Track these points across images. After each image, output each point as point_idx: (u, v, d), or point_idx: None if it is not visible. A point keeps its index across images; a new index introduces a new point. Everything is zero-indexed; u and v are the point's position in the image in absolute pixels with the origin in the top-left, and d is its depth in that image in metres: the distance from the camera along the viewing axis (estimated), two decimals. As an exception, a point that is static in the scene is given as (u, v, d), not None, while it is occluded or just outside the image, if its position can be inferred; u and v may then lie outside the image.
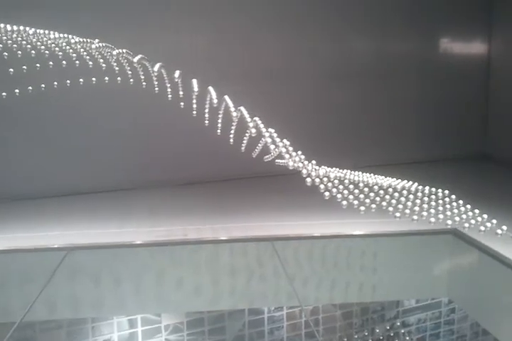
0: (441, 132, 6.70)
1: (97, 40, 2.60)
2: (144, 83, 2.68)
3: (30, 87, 2.73)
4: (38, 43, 2.45)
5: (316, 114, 6.21)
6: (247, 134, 2.08)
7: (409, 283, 4.12)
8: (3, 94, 2.70)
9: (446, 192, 2.09)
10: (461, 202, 2.03)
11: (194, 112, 2.51)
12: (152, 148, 5.47)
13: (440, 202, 2.04)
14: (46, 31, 2.55)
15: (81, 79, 2.71)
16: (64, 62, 2.49)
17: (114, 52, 2.59)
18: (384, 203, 2.00)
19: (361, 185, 2.06)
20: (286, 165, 1.96)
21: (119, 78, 2.70)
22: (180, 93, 2.61)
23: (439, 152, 6.74)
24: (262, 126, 2.09)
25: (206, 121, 2.54)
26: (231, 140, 2.38)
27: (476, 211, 2.02)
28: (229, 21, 5.78)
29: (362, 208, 1.96)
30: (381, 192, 2.04)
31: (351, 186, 2.02)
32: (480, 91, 7.08)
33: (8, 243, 3.90)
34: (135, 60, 2.65)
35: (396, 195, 2.03)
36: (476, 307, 3.92)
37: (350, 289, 4.07)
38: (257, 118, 2.18)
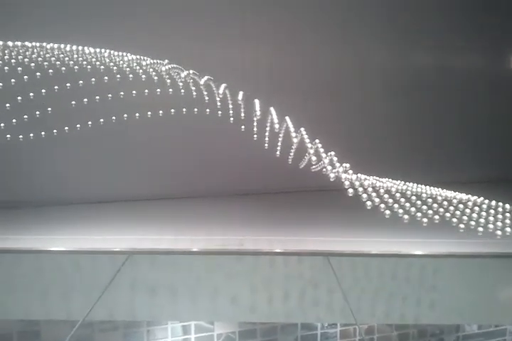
0: (495, 154, 6.40)
1: (166, 61, 2.74)
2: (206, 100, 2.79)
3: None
4: (111, 64, 2.61)
5: (378, 129, 6.11)
6: (306, 157, 2.13)
7: (471, 307, 3.93)
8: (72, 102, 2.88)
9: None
10: None
11: (255, 130, 2.58)
12: (210, 159, 5.58)
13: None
14: (121, 53, 2.73)
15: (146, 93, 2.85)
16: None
17: (182, 74, 2.71)
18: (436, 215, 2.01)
19: (410, 194, 2.06)
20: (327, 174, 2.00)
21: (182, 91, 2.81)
22: (242, 115, 2.70)
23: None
24: (321, 149, 2.13)
25: (266, 144, 2.62)
26: (290, 159, 2.42)
27: None
28: (288, 36, 5.86)
29: (405, 217, 1.97)
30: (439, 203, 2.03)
31: (398, 195, 2.02)
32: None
33: (71, 244, 4.08)
34: (202, 81, 2.76)
35: (449, 207, 2.01)
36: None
37: (407, 309, 3.93)
38: (317, 141, 2.22)
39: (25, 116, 3.01)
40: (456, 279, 3.89)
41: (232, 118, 2.83)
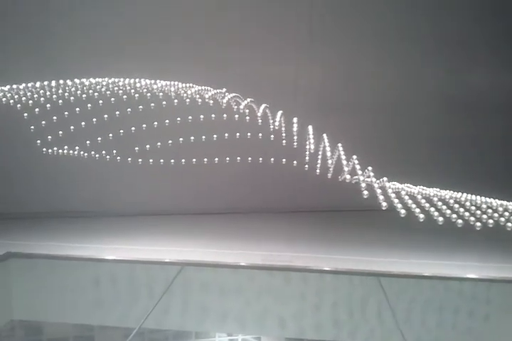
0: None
1: (224, 90, 2.98)
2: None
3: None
4: (161, 94, 2.87)
5: (432, 148, 6.03)
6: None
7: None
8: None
9: None
10: None
11: (307, 153, 2.71)
12: (257, 177, 5.65)
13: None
14: (169, 82, 3.02)
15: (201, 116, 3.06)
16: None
17: (225, 100, 2.91)
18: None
19: (436, 199, 2.14)
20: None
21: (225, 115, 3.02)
22: (283, 134, 2.85)
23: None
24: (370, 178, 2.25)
25: (306, 165, 2.74)
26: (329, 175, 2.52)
27: None
28: (333, 55, 5.95)
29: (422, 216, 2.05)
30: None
31: (424, 200, 2.09)
32: None
33: (131, 254, 4.27)
34: (243, 104, 2.94)
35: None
36: None
37: (456, 334, 3.84)
38: (370, 168, 2.34)
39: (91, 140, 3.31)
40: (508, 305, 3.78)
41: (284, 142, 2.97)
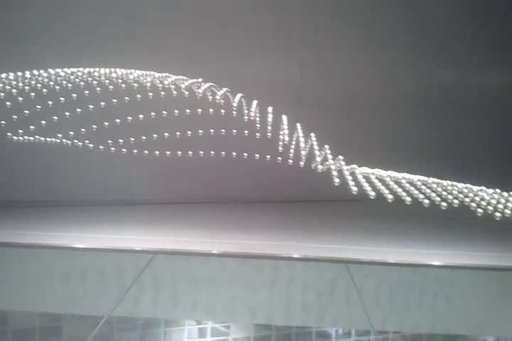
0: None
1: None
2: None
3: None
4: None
5: (393, 151, 6.17)
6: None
7: (488, 320, 3.97)
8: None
9: None
10: None
11: (281, 144, 2.75)
12: (232, 166, 5.70)
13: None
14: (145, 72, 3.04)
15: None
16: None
17: (201, 89, 2.94)
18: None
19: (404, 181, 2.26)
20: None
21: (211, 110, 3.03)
22: (257, 125, 2.89)
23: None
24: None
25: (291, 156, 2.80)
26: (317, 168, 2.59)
27: None
28: (314, 53, 6.02)
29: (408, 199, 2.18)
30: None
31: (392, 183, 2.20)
32: None
33: (101, 243, 4.24)
34: (219, 93, 2.97)
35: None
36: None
37: (421, 319, 4.00)
38: (341, 157, 2.42)
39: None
40: (472, 291, 3.95)
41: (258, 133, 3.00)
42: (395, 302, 3.99)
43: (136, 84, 3.08)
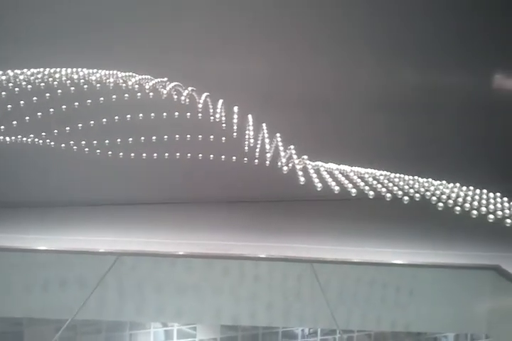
0: (484, 168, 6.59)
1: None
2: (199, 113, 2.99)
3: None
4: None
5: (360, 146, 6.27)
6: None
7: (446, 317, 4.08)
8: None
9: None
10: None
11: (247, 144, 2.77)
12: (200, 167, 5.69)
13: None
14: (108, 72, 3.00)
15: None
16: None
17: (166, 89, 2.93)
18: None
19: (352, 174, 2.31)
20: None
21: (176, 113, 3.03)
22: (223, 124, 2.91)
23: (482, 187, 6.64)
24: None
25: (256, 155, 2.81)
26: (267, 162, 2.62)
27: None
28: (276, 50, 6.08)
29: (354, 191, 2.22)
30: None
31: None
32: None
33: (66, 244, 4.17)
34: (185, 93, 2.97)
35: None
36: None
37: (384, 316, 4.08)
38: (305, 157, 2.46)
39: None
40: (433, 289, 4.05)
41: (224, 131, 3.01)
42: (359, 301, 4.05)
43: (98, 85, 3.03)
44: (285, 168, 2.63)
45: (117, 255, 4.05)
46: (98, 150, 3.70)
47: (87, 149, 3.63)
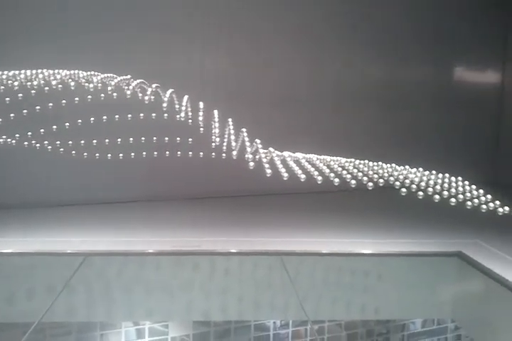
0: (451, 159, 6.79)
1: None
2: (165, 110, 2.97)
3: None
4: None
5: (326, 140, 6.34)
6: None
7: (413, 304, 4.20)
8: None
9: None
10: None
11: (213, 138, 2.77)
12: (164, 164, 5.66)
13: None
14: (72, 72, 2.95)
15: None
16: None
17: (130, 87, 2.90)
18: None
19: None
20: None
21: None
22: (189, 120, 2.90)
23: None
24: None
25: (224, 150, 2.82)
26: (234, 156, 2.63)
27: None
28: (241, 46, 6.09)
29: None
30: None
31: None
32: (493, 119, 7.23)
33: (31, 246, 4.08)
34: (150, 88, 2.94)
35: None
36: (479, 329, 3.98)
37: (353, 306, 4.16)
38: (271, 149, 2.49)
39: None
40: (399, 277, 4.16)
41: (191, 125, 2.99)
42: (328, 292, 4.12)
43: (60, 86, 2.95)
44: (251, 164, 2.64)
45: (85, 255, 3.99)
46: (61, 149, 3.64)
47: (49, 147, 3.57)
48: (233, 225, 4.87)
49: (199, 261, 4.09)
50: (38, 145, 3.39)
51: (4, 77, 2.95)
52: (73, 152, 3.69)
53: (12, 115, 3.11)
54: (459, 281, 4.08)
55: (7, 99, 3.03)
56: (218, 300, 4.12)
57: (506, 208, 2.31)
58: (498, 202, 2.34)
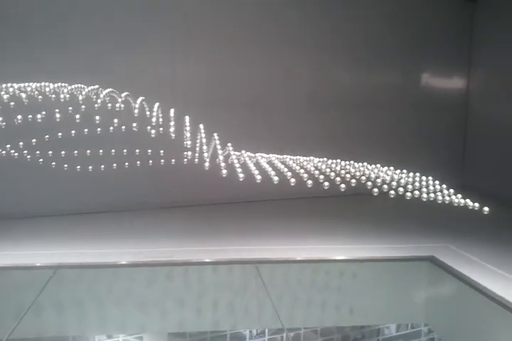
0: (418, 163, 6.91)
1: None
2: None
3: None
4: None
5: (295, 145, 6.39)
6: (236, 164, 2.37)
7: (387, 308, 4.23)
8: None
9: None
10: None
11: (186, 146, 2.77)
12: (141, 172, 5.60)
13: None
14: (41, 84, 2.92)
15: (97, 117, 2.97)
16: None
17: (100, 96, 2.88)
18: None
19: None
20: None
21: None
22: (160, 129, 2.88)
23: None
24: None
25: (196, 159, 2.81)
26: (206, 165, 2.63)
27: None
28: (216, 52, 6.10)
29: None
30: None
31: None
32: (458, 124, 7.41)
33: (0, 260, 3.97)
34: (119, 99, 2.92)
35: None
36: (452, 333, 4.03)
37: (328, 312, 4.17)
38: (243, 151, 2.49)
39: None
40: (372, 282, 4.19)
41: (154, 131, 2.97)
42: (303, 299, 4.12)
43: (27, 100, 2.88)
44: (224, 171, 2.63)
45: (55, 268, 3.89)
46: (40, 161, 3.56)
47: (28, 157, 3.49)
48: (206, 234, 4.84)
49: (172, 272, 4.04)
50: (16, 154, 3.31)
51: None
52: (40, 160, 3.61)
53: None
54: (432, 285, 4.13)
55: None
56: (193, 311, 4.07)
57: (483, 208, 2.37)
58: (468, 201, 2.39)
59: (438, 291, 4.13)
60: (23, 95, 2.89)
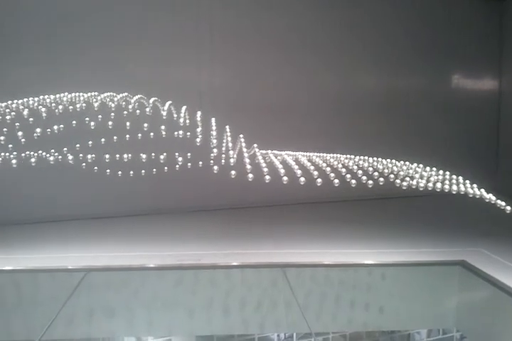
0: (451, 166, 6.79)
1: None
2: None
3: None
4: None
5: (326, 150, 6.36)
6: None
7: (417, 313, 4.15)
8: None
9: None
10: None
11: (214, 151, 2.78)
12: (169, 177, 5.66)
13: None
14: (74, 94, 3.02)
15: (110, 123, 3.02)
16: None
17: (132, 100, 2.92)
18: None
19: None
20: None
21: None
22: (188, 133, 2.90)
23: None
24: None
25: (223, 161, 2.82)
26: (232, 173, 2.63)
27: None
28: (241, 57, 6.13)
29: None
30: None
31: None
32: (491, 126, 7.25)
33: (32, 263, 4.06)
34: (150, 101, 2.96)
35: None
36: (484, 339, 3.93)
37: (357, 317, 4.11)
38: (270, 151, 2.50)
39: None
40: (401, 286, 4.12)
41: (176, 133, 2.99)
42: (331, 303, 4.08)
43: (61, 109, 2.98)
44: (251, 175, 2.62)
45: (86, 271, 3.96)
46: (52, 161, 3.63)
47: (52, 158, 3.56)
48: (233, 238, 4.85)
49: (200, 275, 4.06)
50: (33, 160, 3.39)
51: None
52: (65, 161, 3.69)
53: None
54: (463, 290, 4.04)
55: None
56: (220, 314, 4.07)
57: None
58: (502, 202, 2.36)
59: (470, 296, 4.03)
60: (60, 106, 3.00)
